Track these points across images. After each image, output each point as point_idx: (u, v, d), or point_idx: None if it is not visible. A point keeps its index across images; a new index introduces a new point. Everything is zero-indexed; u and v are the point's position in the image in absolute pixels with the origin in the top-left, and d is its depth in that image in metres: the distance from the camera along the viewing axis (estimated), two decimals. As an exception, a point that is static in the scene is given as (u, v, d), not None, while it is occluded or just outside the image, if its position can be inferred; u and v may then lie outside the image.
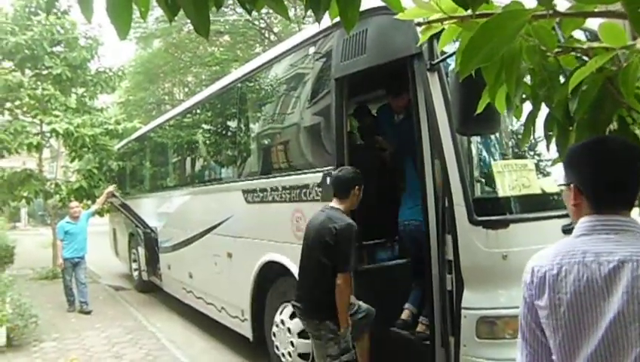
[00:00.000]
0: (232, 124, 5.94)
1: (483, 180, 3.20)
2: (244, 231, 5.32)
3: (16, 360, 5.37)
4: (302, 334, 4.42)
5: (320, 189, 4.00)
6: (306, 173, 4.23)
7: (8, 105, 10.71)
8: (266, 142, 5.29)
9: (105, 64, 11.76)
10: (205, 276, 6.51)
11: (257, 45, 19.55)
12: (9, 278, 6.42)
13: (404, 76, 3.54)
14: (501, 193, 3.10)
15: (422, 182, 3.40)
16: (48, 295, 8.66)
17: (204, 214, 6.54)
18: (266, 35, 19.29)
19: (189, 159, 7.60)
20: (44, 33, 10.22)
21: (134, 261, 10.24)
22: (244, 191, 5.23)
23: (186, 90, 22.29)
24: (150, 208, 9.10)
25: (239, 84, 5.72)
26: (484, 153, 3.28)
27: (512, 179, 3.09)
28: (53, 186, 11.00)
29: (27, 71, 10.99)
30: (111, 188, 8.56)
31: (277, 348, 4.72)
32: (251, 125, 5.59)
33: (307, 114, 4.46)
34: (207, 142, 6.89)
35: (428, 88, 3.21)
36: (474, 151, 3.24)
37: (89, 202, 10.73)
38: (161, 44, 19.66)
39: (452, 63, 3.15)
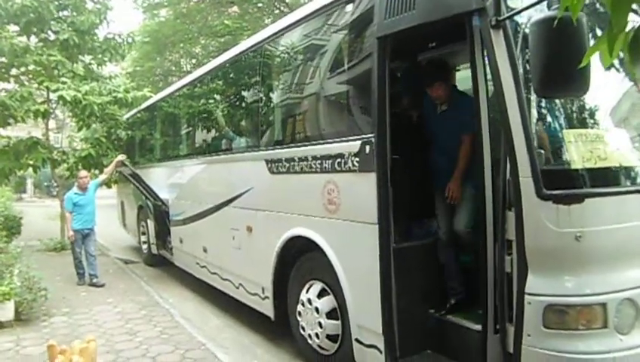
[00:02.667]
0: (256, 89, 5.57)
1: (553, 150, 2.84)
2: (267, 204, 5.01)
3: (25, 336, 5.10)
4: (330, 314, 4.15)
5: (357, 159, 3.66)
6: (340, 142, 3.88)
7: (14, 71, 10.32)
8: (295, 108, 4.92)
9: (113, 31, 11.30)
10: (221, 251, 6.22)
11: (266, 17, 18.97)
12: (17, 250, 6.13)
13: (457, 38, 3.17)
14: (575, 165, 2.74)
15: (479, 153, 3.05)
16: (57, 267, 8.41)
17: (221, 186, 6.22)
18: (277, 4, 18.70)
19: (206, 127, 7.23)
20: (49, -5, 9.78)
21: (143, 234, 9.98)
22: (268, 161, 4.90)
23: (194, 61, 21.77)
24: (161, 179, 8.78)
25: (265, 46, 5.33)
26: (554, 120, 2.91)
27: (586, 149, 2.73)
28: (60, 154, 10.68)
29: (33, 37, 10.55)
30: (121, 156, 8.19)
31: (302, 328, 4.45)
32: (278, 90, 5.21)
33: (343, 77, 4.08)
34: (228, 108, 6.52)
35: (492, 48, 2.83)
36: (543, 118, 2.88)
37: (97, 171, 10.42)
38: (169, 14, 19.09)
39: (522, 18, 2.81)
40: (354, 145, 3.70)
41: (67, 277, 7.72)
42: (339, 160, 3.87)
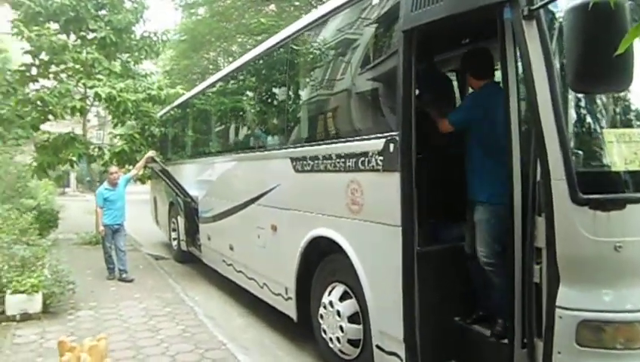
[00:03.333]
0: (281, 86, 5.47)
1: (591, 151, 2.60)
2: (292, 203, 4.89)
3: (51, 328, 5.15)
4: (352, 318, 4.01)
5: (381, 158, 3.50)
6: (364, 140, 3.72)
7: (53, 68, 10.56)
8: (320, 105, 4.78)
9: (149, 29, 11.44)
10: (247, 249, 6.15)
11: (303, 15, 18.86)
12: (47, 243, 6.22)
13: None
14: (616, 167, 2.50)
15: (508, 153, 2.85)
16: (90, 261, 8.54)
17: (248, 183, 6.15)
18: (313, 3, 18.60)
19: (233, 124, 7.20)
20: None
21: (174, 230, 10.05)
22: (293, 159, 4.78)
23: (231, 59, 21.89)
24: (191, 176, 8.81)
25: (290, 42, 5.22)
26: (594, 119, 2.68)
27: (629, 150, 2.49)
28: (96, 150, 10.87)
29: (72, 36, 10.78)
30: (151, 152, 8.25)
31: (324, 331, 4.32)
32: (302, 87, 5.09)
33: (367, 73, 3.92)
34: (253, 106, 6.45)
35: (523, 40, 2.62)
36: (580, 116, 2.65)
37: (130, 167, 10.57)
38: (206, 12, 19.25)
39: (557, 8, 2.59)
40: (378, 144, 3.54)
41: (98, 271, 7.81)
42: (362, 158, 3.72)
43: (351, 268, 3.90)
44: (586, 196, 2.41)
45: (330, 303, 4.24)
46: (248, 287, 6.16)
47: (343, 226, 4.01)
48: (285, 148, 5.06)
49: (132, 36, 10.88)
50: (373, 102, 3.86)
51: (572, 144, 2.50)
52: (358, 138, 3.83)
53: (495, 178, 3.15)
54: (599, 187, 2.46)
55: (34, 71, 10.18)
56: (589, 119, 2.67)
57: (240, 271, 6.41)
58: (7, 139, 13.25)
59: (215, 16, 18.51)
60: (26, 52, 10.20)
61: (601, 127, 2.62)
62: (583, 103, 2.62)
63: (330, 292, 4.31)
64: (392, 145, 3.41)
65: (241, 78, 6.85)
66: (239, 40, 20.61)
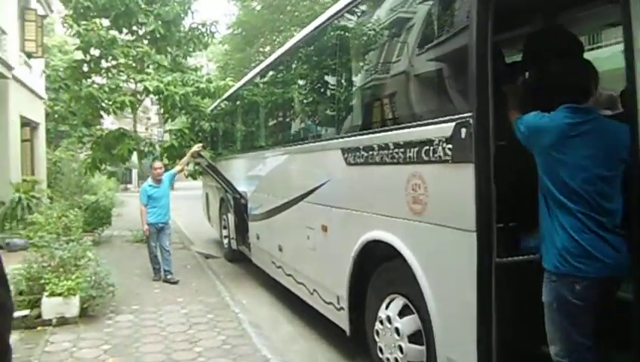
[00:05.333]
0: (330, 69, 4.88)
1: None
2: (343, 201, 4.31)
3: (86, 335, 4.83)
4: (414, 338, 3.38)
5: (450, 146, 2.84)
6: (428, 125, 3.07)
7: (104, 64, 10.45)
8: (373, 86, 4.15)
9: (198, 20, 11.15)
10: (296, 251, 5.63)
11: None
12: (87, 243, 5.94)
13: None
14: None
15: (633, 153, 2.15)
16: (140, 259, 8.27)
17: (296, 179, 5.63)
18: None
19: (280, 115, 6.70)
20: (137, -13, 9.78)
21: (224, 228, 9.70)
22: (344, 151, 4.19)
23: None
24: (241, 171, 8.40)
25: (340, 19, 4.63)
26: None
27: None
28: (147, 145, 10.70)
29: (124, 31, 10.65)
30: (196, 146, 7.85)
31: (380, 350, 3.71)
32: (354, 67, 4.48)
33: (431, 47, 3.26)
34: (301, 93, 5.91)
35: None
36: None
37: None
38: (258, 3, 18.97)
39: None
40: (445, 128, 2.88)
41: (145, 271, 7.53)
42: (426, 147, 3.07)
43: (412, 279, 3.27)
44: None
45: (388, 318, 3.63)
46: (298, 292, 5.63)
47: (403, 229, 3.38)
48: (336, 139, 4.48)
49: (180, 28, 10.60)
50: (439, 80, 3.20)
51: None
52: (420, 123, 3.18)
53: None
54: None
55: (85, 67, 10.08)
56: None
57: (289, 275, 5.90)
58: (72, 137, 13.53)
59: (268, 7, 18.17)
60: (77, 48, 10.14)
61: None
62: None
63: (387, 305, 3.70)
64: (463, 130, 2.74)
65: (287, 63, 6.32)
66: (294, 32, 20.26)
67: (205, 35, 10.70)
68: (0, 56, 11.94)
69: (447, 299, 3.03)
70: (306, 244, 5.17)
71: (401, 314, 3.53)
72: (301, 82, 5.91)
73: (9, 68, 12.89)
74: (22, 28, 15.89)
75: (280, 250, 6.15)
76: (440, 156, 2.95)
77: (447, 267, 3.00)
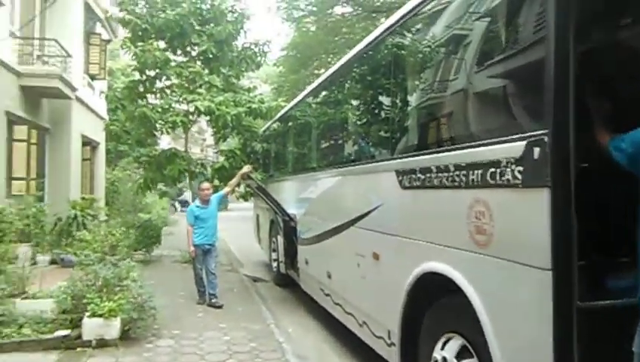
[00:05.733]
0: (384, 85, 4.59)
1: None
2: (397, 227, 3.95)
3: (124, 359, 4.66)
4: (474, 387, 2.96)
5: (521, 168, 2.46)
6: (494, 144, 2.70)
7: (158, 84, 10.60)
8: (431, 103, 3.80)
9: (250, 40, 11.16)
10: (345, 279, 5.29)
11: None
12: (131, 264, 5.82)
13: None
14: None
15: None
16: (185, 281, 8.11)
17: (347, 202, 5.32)
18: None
19: (331, 135, 6.45)
20: (191, 8, 9.87)
21: (274, 251, 9.48)
22: (399, 173, 3.85)
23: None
24: (291, 193, 8.18)
25: (394, 34, 4.34)
26: None
27: None
28: (199, 166, 10.70)
29: (178, 52, 10.80)
30: (246, 168, 7.69)
31: (436, 396, 3.30)
32: (410, 83, 4.15)
33: (498, 57, 2.89)
34: (352, 112, 5.63)
35: None
36: None
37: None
38: (313, 25, 19.01)
39: None
40: (515, 148, 2.50)
41: (190, 293, 7.36)
42: (492, 170, 2.70)
43: (473, 318, 2.86)
44: None
45: (444, 360, 3.23)
46: (347, 323, 5.28)
47: (464, 262, 2.99)
48: (390, 160, 4.15)
49: (232, 48, 10.62)
50: (506, 92, 2.84)
51: None
52: (484, 142, 2.81)
53: None
54: None
55: (141, 88, 10.24)
56: None
57: (338, 304, 5.56)
58: (130, 157, 13.84)
59: (322, 29, 18.18)
60: (134, 69, 10.33)
61: None
62: None
63: (443, 345, 3.30)
64: (537, 150, 2.36)
65: (340, 82, 6.07)
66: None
67: (258, 54, 10.67)
68: (65, 78, 12.42)
69: (514, 346, 2.61)
70: (355, 272, 4.83)
71: (459, 356, 3.13)
72: (354, 101, 5.64)
73: (73, 89, 13.38)
74: (87, 51, 16.60)
75: (329, 276, 5.83)
76: (508, 180, 2.57)
77: (516, 308, 2.59)
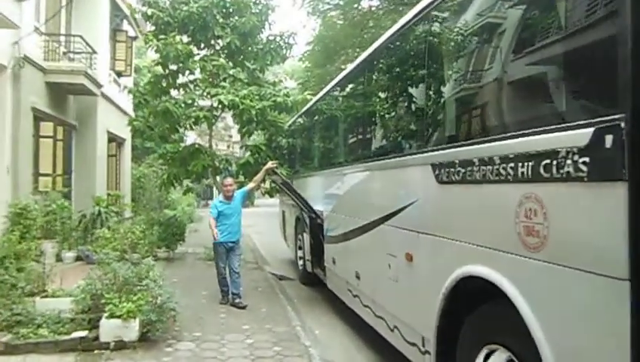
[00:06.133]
0: (417, 71, 4.23)
1: None
2: (433, 226, 3.60)
3: (143, 363, 4.43)
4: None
5: (586, 159, 2.10)
6: (550, 131, 2.34)
7: (181, 78, 10.40)
8: (472, 87, 3.43)
9: (275, 32, 10.85)
10: (375, 280, 4.96)
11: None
12: (151, 263, 5.60)
13: None
14: None
15: None
16: (209, 279, 7.86)
17: (377, 198, 5.00)
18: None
19: (360, 127, 6.10)
20: (215, 0, 9.63)
21: (300, 248, 9.19)
22: (435, 166, 3.50)
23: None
24: (317, 189, 7.88)
25: (430, 16, 3.98)
26: None
27: None
28: (223, 162, 10.48)
29: (202, 46, 10.59)
30: (270, 163, 7.39)
31: (477, 414, 2.95)
32: (448, 63, 3.77)
33: (559, 29, 2.52)
34: (383, 102, 5.29)
35: None
36: None
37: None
38: (338, 18, 18.60)
39: None
40: (578, 136, 2.13)
41: (213, 293, 7.13)
42: (547, 161, 2.33)
43: (521, 329, 2.52)
44: None
45: (488, 374, 2.89)
46: (376, 327, 4.96)
47: (511, 266, 2.63)
48: (425, 152, 3.80)
49: (257, 40, 10.34)
50: (569, 69, 2.45)
51: None
52: (537, 130, 2.44)
53: None
54: None
55: (164, 82, 10.04)
56: None
57: (367, 306, 5.23)
58: (157, 153, 13.76)
59: (348, 21, 17.76)
60: (157, 63, 10.16)
61: None
62: None
63: (486, 357, 2.96)
64: (609, 138, 1.99)
65: (368, 71, 5.72)
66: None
67: (283, 47, 10.37)
68: (90, 74, 12.37)
69: (576, 365, 2.25)
70: (386, 274, 4.51)
71: (504, 373, 2.78)
72: (383, 90, 5.29)
73: (98, 85, 13.34)
74: (113, 48, 16.60)
75: (357, 277, 5.51)
76: (568, 172, 2.20)
77: (578, 321, 2.22)
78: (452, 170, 3.28)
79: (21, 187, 9.98)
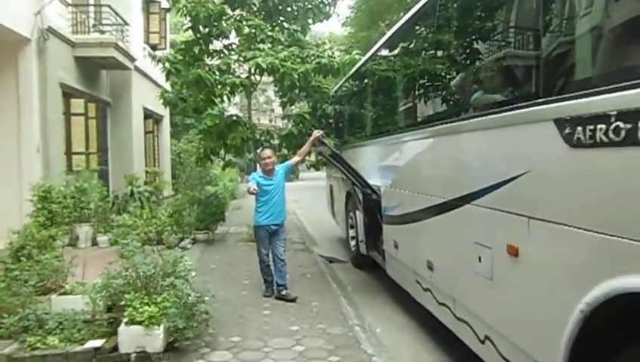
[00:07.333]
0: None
1: None
2: (559, 210, 2.47)
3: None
4: None
5: None
6: None
7: (215, 44, 9.40)
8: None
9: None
10: (457, 275, 3.89)
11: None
12: (180, 252, 4.70)
13: None
14: None
15: None
16: (251, 264, 6.90)
17: (459, 169, 3.87)
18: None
19: (429, 82, 4.93)
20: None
21: (351, 227, 8.19)
22: (563, 123, 2.37)
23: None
24: (372, 160, 6.79)
25: None
26: None
27: None
28: (264, 134, 9.52)
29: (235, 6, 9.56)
30: (317, 132, 6.29)
31: None
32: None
33: None
34: (466, 41, 4.10)
35: None
36: None
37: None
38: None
39: None
40: None
41: (256, 282, 6.22)
42: None
43: None
44: None
45: None
46: (457, 332, 3.90)
47: None
48: (542, 104, 2.64)
49: (296, -3, 9.24)
50: None
51: None
52: None
53: None
54: None
55: (196, 49, 9.06)
56: None
57: (443, 304, 4.17)
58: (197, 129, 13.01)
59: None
60: (186, 28, 9.20)
61: None
62: None
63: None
64: None
65: (441, 7, 4.52)
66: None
67: (325, 3, 9.20)
68: (120, 46, 11.59)
69: None
70: (476, 269, 3.42)
71: None
72: (469, 26, 4.07)
73: (132, 59, 12.59)
74: (147, 20, 15.80)
75: (429, 268, 4.44)
76: None
77: None
78: (595, 127, 2.14)
79: (52, 166, 9.40)
